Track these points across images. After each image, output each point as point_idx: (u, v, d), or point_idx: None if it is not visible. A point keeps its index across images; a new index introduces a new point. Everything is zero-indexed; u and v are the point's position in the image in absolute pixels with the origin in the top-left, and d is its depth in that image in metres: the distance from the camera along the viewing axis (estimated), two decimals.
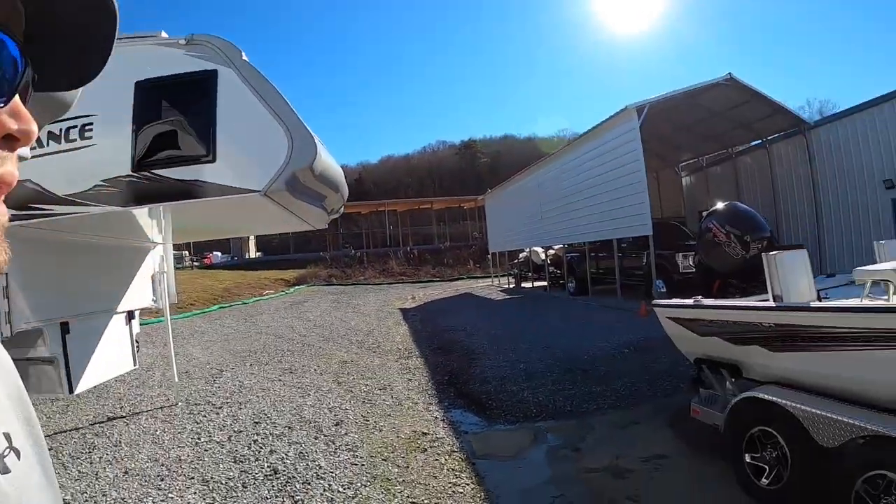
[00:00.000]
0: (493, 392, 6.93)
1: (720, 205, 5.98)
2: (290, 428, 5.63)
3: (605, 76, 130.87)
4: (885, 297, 3.48)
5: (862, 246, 13.69)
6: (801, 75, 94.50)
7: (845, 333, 3.18)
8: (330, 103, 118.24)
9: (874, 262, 4.18)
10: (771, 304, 3.77)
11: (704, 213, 6.66)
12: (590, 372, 7.39)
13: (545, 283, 20.86)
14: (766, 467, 3.51)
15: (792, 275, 3.75)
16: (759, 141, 17.44)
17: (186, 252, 39.79)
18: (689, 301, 4.57)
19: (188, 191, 3.57)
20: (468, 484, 4.29)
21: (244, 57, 3.68)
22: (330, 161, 4.10)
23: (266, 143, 3.53)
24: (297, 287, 26.36)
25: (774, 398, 3.49)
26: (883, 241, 4.50)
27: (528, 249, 22.73)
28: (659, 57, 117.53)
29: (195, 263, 38.80)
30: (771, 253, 3.87)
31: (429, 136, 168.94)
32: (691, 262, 11.69)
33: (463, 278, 30.33)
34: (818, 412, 3.17)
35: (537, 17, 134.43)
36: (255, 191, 3.47)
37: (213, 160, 3.51)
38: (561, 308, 14.70)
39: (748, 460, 3.65)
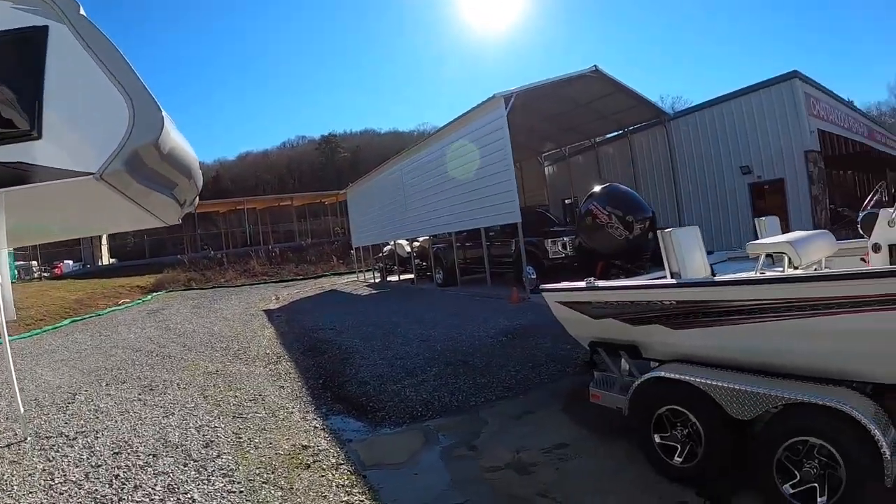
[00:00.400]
0: (373, 393, 6.45)
1: (598, 187, 6.02)
2: (154, 456, 4.71)
3: (466, 74, 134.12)
4: (780, 269, 3.58)
5: (721, 226, 15.18)
6: (653, 73, 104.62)
7: (750, 306, 3.18)
8: (184, 99, 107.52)
9: (751, 239, 4.36)
10: (672, 281, 3.73)
11: (570, 199, 6.74)
12: (471, 363, 7.19)
13: (412, 276, 20.68)
14: (678, 446, 3.46)
15: (689, 252, 3.75)
16: (621, 131, 18.74)
17: (35, 262, 34.42)
18: (582, 284, 4.46)
19: (9, 176, 2.84)
20: (363, 500, 3.81)
21: (81, 11, 2.94)
22: (180, 140, 3.40)
23: (102, 114, 2.84)
24: (154, 294, 23.58)
25: (683, 376, 3.44)
26: (763, 218, 4.78)
27: (392, 242, 22.36)
28: (518, 57, 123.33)
29: (45, 274, 33.52)
30: (667, 230, 3.84)
31: (288, 131, 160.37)
32: (560, 248, 12.07)
33: (327, 275, 29.26)
34: (730, 386, 3.15)
35: (398, 13, 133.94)
36: (88, 173, 2.81)
37: (39, 136, 2.82)
38: (431, 300, 14.54)
39: (658, 441, 3.58)
